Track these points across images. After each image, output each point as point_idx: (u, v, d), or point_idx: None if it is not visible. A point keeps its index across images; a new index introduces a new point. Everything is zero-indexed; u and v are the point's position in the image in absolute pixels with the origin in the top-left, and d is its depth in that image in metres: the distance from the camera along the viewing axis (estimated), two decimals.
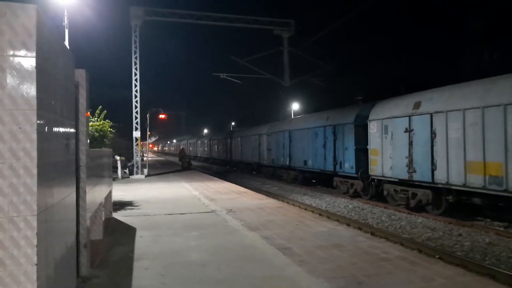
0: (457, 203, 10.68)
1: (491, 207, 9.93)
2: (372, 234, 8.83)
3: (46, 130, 2.71)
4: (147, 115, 25.21)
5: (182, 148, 37.86)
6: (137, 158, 21.58)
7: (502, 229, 9.58)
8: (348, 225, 9.67)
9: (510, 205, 9.42)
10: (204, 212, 9.18)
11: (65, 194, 3.38)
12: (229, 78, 25.46)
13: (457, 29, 36.99)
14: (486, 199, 9.62)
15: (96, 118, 11.44)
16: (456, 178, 10.03)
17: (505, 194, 8.81)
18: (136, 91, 21.46)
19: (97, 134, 10.66)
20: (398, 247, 6.25)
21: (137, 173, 21.38)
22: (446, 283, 4.21)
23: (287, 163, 20.70)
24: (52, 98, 2.93)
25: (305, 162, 18.66)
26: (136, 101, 21.49)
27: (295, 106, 39.00)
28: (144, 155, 25.70)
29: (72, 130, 3.91)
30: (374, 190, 14.04)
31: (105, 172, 7.45)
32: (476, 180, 9.47)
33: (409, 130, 11.77)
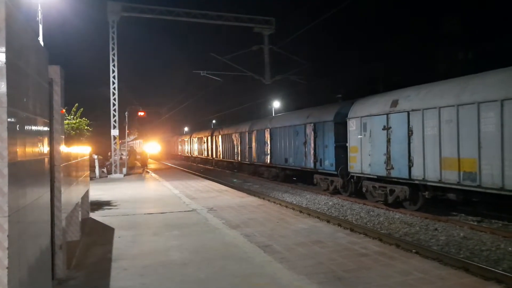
0: (433, 199, 10.97)
1: (466, 202, 10.24)
2: (352, 230, 8.96)
3: (17, 128, 2.61)
4: (126, 113, 24.76)
5: (132, 147, 37.60)
6: (115, 157, 21.18)
7: (475, 223, 9.90)
8: (328, 221, 9.78)
9: (483, 200, 9.75)
10: (185, 211, 9.10)
11: (39, 195, 3.27)
12: (210, 76, 25.27)
13: (434, 29, 37.91)
14: (460, 194, 9.92)
15: (72, 116, 11.14)
16: (432, 174, 10.29)
17: (479, 189, 9.09)
18: (114, 88, 21.04)
19: (74, 132, 10.39)
20: (377, 243, 6.37)
21: (115, 172, 20.98)
22: (423, 276, 4.31)
23: (268, 160, 20.75)
24: (24, 95, 2.82)
25: (286, 160, 18.76)
26: (114, 99, 21.07)
27: (276, 104, 39.13)
28: (123, 153, 25.24)
29: (46, 128, 3.79)
30: (354, 187, 14.25)
31: (81, 172, 7.27)
32: (451, 176, 9.74)
33: (387, 128, 11.99)
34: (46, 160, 3.83)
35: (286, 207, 11.99)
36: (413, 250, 7.45)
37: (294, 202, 13.81)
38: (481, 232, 8.99)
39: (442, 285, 4.05)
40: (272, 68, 24.72)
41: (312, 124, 16.48)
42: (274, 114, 34.93)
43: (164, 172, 23.33)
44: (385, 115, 12.05)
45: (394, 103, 11.81)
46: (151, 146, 45.68)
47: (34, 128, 3.14)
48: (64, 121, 9.57)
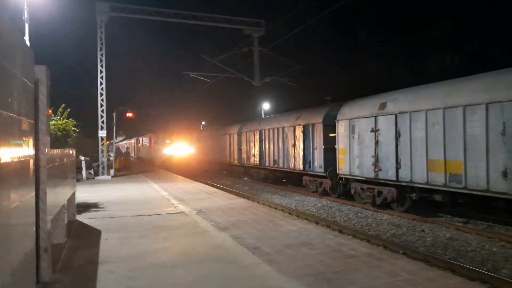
0: (420, 200, 11.11)
1: (452, 203, 10.40)
2: (340, 231, 9.00)
3: (1, 129, 2.55)
4: (114, 114, 24.48)
5: (118, 148, 36.14)
6: (102, 159, 20.92)
7: (461, 224, 10.05)
8: (317, 223, 9.81)
9: (469, 202, 9.91)
10: (173, 213, 9.03)
11: (24, 197, 3.20)
12: (199, 77, 25.18)
13: (423, 33, 38.47)
14: (447, 196, 10.07)
15: (58, 117, 10.96)
16: (419, 176, 10.42)
17: (465, 191, 9.24)
18: (102, 89, 20.80)
19: (60, 133, 10.23)
20: (365, 244, 6.41)
21: (102, 174, 20.72)
22: (410, 277, 4.35)
23: (258, 162, 20.76)
24: (8, 95, 2.76)
25: (275, 161, 18.79)
26: (102, 100, 20.82)
27: (266, 105, 39.17)
28: (111, 155, 24.92)
29: (31, 129, 3.72)
30: (342, 188, 14.34)
31: (68, 173, 7.16)
32: (437, 178, 9.88)
33: (375, 130, 12.11)
34: (31, 161, 3.76)
35: (275, 208, 11.99)
36: (401, 251, 7.52)
37: (283, 204, 13.83)
38: (466, 233, 9.13)
39: (429, 286, 4.10)
40: (263, 70, 24.78)
41: (301, 126, 16.54)
42: (264, 116, 34.96)
43: (153, 174, 23.15)
44: (373, 118, 12.17)
45: (382, 106, 11.94)
46: (176, 148, 30.46)
47: (18, 129, 3.08)
48: (50, 122, 9.41)
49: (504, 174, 8.24)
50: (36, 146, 4.16)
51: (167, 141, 32.36)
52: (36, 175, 4.09)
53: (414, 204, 11.37)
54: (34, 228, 3.98)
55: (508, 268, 6.87)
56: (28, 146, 3.46)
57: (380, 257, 5.16)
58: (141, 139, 47.25)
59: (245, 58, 24.79)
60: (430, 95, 10.51)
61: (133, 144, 54.66)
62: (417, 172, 10.51)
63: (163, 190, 13.84)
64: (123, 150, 40.91)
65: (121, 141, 70.73)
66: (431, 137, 10.11)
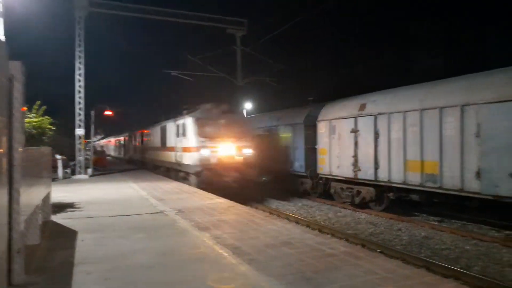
0: (397, 200, 11.35)
1: (428, 203, 10.69)
2: (320, 231, 9.11)
3: None
4: (92, 112, 23.96)
5: (94, 147, 33.35)
6: (80, 157, 20.44)
7: (436, 223, 10.33)
8: (297, 222, 9.89)
9: (444, 201, 10.20)
10: (153, 213, 8.91)
11: None
12: (181, 76, 24.93)
13: (404, 35, 39.21)
14: (423, 195, 10.33)
15: (34, 114, 10.62)
16: (397, 176, 10.65)
17: (440, 190, 9.50)
18: (80, 86, 20.31)
19: (35, 131, 9.90)
20: (344, 243, 6.50)
21: (80, 173, 20.25)
22: (387, 275, 4.44)
23: None
24: None
25: None
26: (80, 97, 20.34)
27: (248, 105, 39.17)
28: (88, 154, 24.35)
29: (5, 126, 3.60)
30: (322, 188, 14.50)
31: (43, 172, 6.96)
32: (414, 178, 10.12)
33: (355, 131, 12.30)
34: (4, 160, 3.63)
35: (256, 208, 12.00)
36: (378, 250, 7.67)
37: (264, 204, 13.86)
38: (441, 231, 9.39)
39: (406, 284, 4.18)
40: (245, 69, 24.78)
41: (283, 126, 16.62)
42: (246, 115, 34.94)
43: (132, 173, 22.78)
44: (353, 118, 12.36)
45: (362, 107, 12.13)
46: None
47: None
48: (25, 120, 9.13)
49: (478, 175, 8.52)
50: (10, 144, 4.02)
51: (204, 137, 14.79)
52: (9, 174, 3.96)
53: (391, 204, 11.62)
54: (6, 229, 3.85)
55: (480, 265, 7.11)
56: (1, 144, 3.34)
57: (359, 256, 5.24)
58: (137, 134, 30.12)
59: (228, 57, 24.75)
60: (408, 97, 10.75)
61: (117, 143, 45.19)
62: (394, 172, 10.74)
63: (142, 189, 13.64)
64: (98, 149, 36.85)
65: (99, 140, 69.17)
66: (409, 138, 10.34)
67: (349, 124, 12.53)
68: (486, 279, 6.08)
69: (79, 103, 20.35)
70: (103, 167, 24.37)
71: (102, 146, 32.78)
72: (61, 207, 9.72)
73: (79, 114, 20.32)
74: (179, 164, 16.56)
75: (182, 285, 4.32)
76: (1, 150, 3.38)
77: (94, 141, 39.00)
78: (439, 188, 9.43)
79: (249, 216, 8.39)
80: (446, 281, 4.49)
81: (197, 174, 14.36)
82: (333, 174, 13.33)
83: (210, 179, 13.98)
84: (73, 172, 20.57)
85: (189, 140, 15.03)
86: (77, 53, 20.18)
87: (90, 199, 11.46)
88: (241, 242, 6.09)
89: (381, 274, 4.48)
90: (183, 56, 23.76)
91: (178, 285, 4.33)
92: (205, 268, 4.84)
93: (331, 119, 13.49)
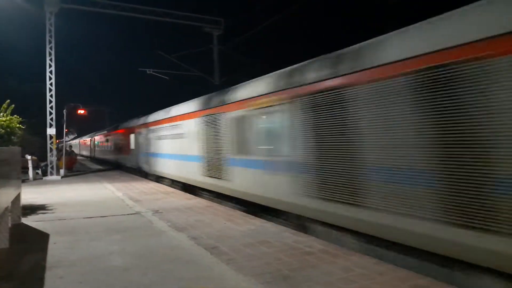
0: None
1: None
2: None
3: None
4: (64, 110, 23.25)
5: (62, 146, 31.74)
6: (52, 158, 19.79)
7: None
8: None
9: None
10: (128, 214, 8.75)
11: None
12: (156, 74, 24.56)
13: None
14: None
15: (2, 114, 10.19)
16: None
17: None
18: (51, 84, 19.67)
19: (3, 131, 9.51)
20: (321, 241, 6.58)
21: (51, 174, 19.62)
22: (363, 272, 4.53)
23: None
24: None
25: None
26: (51, 95, 19.70)
27: None
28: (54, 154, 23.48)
29: None
30: None
31: (12, 173, 6.71)
32: None
33: None
34: None
35: (234, 208, 11.98)
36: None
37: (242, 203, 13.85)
38: None
39: (381, 280, 4.28)
40: (221, 68, 24.69)
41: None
42: None
43: (107, 174, 22.26)
44: None
45: None
46: None
47: None
48: None
49: None
50: None
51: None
52: None
53: None
54: None
55: None
56: None
57: (336, 254, 5.33)
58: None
59: (205, 56, 24.62)
60: None
61: (90, 143, 41.34)
62: None
63: (118, 190, 13.36)
64: (67, 148, 34.24)
65: (73, 139, 67.29)
66: None
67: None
68: None
69: (50, 101, 19.71)
70: (69, 168, 23.34)
71: (71, 146, 31.08)
72: (32, 209, 9.39)
73: (50, 113, 19.69)
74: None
75: (159, 287, 4.25)
76: None
77: (67, 141, 37.77)
78: None
79: (228, 216, 8.37)
80: (419, 276, 4.62)
81: None
82: None
83: None
84: (45, 173, 19.92)
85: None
86: (47, 50, 19.54)
87: (63, 200, 11.13)
88: (220, 242, 6.06)
89: (357, 271, 4.56)
90: (160, 55, 23.35)
91: (155, 286, 4.26)
92: (182, 269, 4.79)
93: None
